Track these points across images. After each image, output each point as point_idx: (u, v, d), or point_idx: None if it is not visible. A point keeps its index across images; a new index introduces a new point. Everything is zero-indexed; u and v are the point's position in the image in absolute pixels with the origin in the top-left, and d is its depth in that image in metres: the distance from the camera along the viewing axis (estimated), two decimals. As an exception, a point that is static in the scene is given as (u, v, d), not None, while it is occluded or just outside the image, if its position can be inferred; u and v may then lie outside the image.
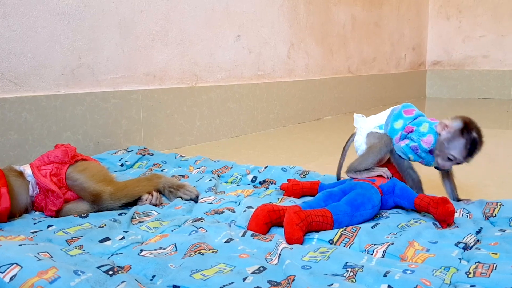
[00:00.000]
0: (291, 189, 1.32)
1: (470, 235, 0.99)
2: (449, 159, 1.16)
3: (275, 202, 1.26)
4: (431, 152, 1.21)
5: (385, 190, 1.17)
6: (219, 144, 2.26)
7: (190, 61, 2.20)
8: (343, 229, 1.03)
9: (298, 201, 1.25)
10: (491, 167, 1.76)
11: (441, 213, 1.05)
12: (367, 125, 1.30)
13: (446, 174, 1.28)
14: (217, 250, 0.93)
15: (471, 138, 1.14)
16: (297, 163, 1.70)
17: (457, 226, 1.05)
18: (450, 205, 1.06)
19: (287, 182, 1.37)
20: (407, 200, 1.15)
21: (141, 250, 0.95)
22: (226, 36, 2.37)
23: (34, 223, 1.13)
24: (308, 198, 1.28)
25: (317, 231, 1.03)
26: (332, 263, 0.88)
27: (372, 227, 1.03)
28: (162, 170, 1.63)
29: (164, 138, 2.09)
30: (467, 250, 0.94)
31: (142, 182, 1.31)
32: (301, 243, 0.99)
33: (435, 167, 1.27)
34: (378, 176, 1.23)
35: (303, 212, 1.02)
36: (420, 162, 1.26)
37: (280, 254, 0.90)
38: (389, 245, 0.95)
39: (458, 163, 1.17)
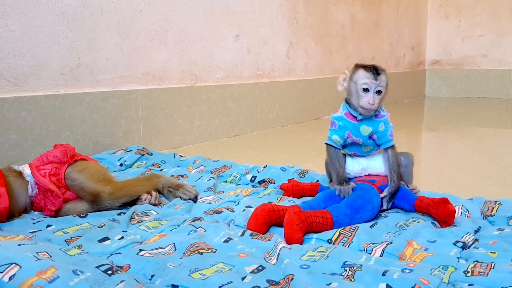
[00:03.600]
0: (291, 189, 1.32)
1: (468, 234, 0.99)
2: (365, 90, 1.14)
3: (274, 202, 1.26)
4: (351, 118, 1.18)
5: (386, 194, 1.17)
6: (218, 143, 2.26)
7: (189, 60, 2.20)
8: (341, 228, 1.03)
9: (298, 201, 1.25)
10: (490, 166, 1.76)
11: (442, 214, 1.05)
12: None
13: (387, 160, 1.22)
14: (216, 250, 0.94)
15: (366, 64, 1.17)
16: (296, 162, 1.70)
17: (456, 225, 1.06)
18: (451, 206, 1.06)
19: (286, 182, 1.37)
20: (407, 202, 1.15)
21: (140, 250, 0.95)
22: (225, 36, 2.37)
23: (33, 223, 1.13)
24: (308, 198, 1.28)
25: (317, 232, 1.03)
26: (330, 262, 0.88)
27: (370, 227, 1.03)
28: (161, 170, 1.63)
29: (163, 137, 2.09)
30: (465, 249, 0.94)
31: (141, 181, 1.31)
32: (301, 244, 0.99)
33: (376, 143, 1.20)
34: (377, 175, 1.23)
35: (304, 213, 1.02)
36: (351, 139, 1.19)
37: (279, 254, 0.90)
38: (388, 244, 0.95)
39: (378, 92, 1.15)
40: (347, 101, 1.21)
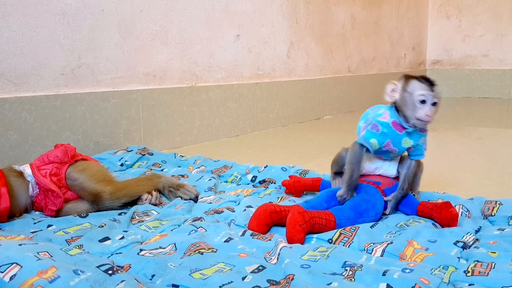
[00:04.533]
0: (293, 186, 1.31)
1: (469, 234, 1.00)
2: (422, 102, 1.09)
3: (275, 202, 1.26)
4: (397, 128, 1.13)
5: (388, 195, 1.16)
6: (219, 143, 2.26)
7: (190, 60, 2.21)
8: (342, 228, 1.03)
9: (299, 201, 1.25)
10: (490, 166, 1.76)
11: (445, 218, 1.05)
12: None
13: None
14: (217, 250, 0.94)
15: (417, 76, 1.13)
16: (296, 162, 1.70)
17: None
18: (453, 209, 1.06)
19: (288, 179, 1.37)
20: (410, 207, 1.15)
21: (141, 250, 0.95)
22: (225, 36, 2.37)
23: (34, 223, 1.13)
24: (309, 197, 1.27)
25: (318, 233, 1.03)
26: (331, 262, 0.88)
27: (371, 227, 1.03)
28: (162, 170, 1.63)
29: (164, 137, 2.09)
30: (466, 249, 0.94)
31: (142, 181, 1.31)
32: (302, 244, 0.99)
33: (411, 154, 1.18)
34: (385, 177, 1.22)
35: (308, 214, 1.01)
36: (387, 148, 1.15)
37: (279, 253, 0.90)
38: (388, 244, 0.95)
39: (434, 103, 1.10)
40: (397, 109, 1.15)
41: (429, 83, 1.11)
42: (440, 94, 1.12)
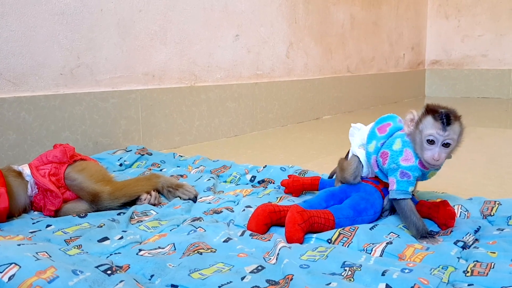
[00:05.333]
0: (292, 185, 1.32)
1: (468, 234, 0.99)
2: (429, 142, 0.99)
3: (274, 202, 1.26)
4: (424, 167, 1.05)
5: (387, 194, 1.16)
6: (218, 143, 2.26)
7: (189, 60, 2.20)
8: (341, 228, 1.03)
9: (298, 200, 1.25)
10: (489, 166, 1.76)
11: (442, 216, 1.05)
12: (355, 141, 1.18)
13: None
14: (216, 250, 0.94)
15: (437, 111, 0.99)
16: (296, 162, 1.70)
17: (456, 225, 1.05)
18: (451, 208, 1.06)
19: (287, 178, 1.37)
20: None
21: (140, 250, 0.95)
22: (225, 36, 2.37)
23: (33, 223, 1.13)
24: (308, 197, 1.27)
25: (317, 232, 1.03)
26: (330, 262, 0.88)
27: (370, 229, 1.03)
28: (161, 170, 1.63)
29: (163, 137, 2.09)
30: (465, 249, 0.94)
31: (141, 181, 1.31)
32: (301, 243, 0.99)
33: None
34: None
35: (307, 213, 1.01)
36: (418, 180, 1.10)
37: (278, 254, 0.90)
38: (388, 243, 0.95)
39: (446, 144, 1.00)
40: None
41: (445, 120, 0.98)
42: (456, 133, 1.00)
